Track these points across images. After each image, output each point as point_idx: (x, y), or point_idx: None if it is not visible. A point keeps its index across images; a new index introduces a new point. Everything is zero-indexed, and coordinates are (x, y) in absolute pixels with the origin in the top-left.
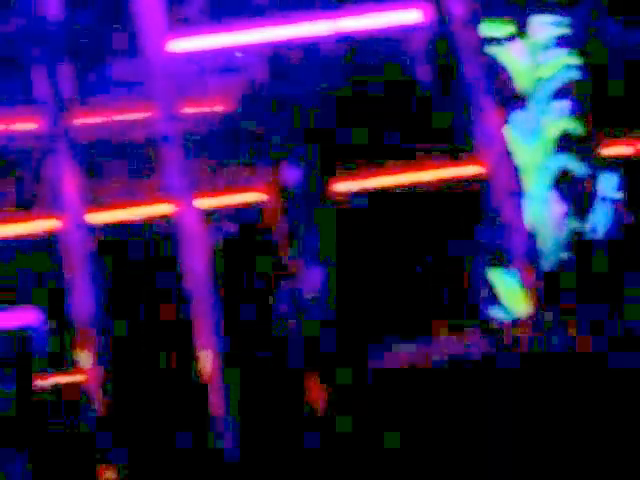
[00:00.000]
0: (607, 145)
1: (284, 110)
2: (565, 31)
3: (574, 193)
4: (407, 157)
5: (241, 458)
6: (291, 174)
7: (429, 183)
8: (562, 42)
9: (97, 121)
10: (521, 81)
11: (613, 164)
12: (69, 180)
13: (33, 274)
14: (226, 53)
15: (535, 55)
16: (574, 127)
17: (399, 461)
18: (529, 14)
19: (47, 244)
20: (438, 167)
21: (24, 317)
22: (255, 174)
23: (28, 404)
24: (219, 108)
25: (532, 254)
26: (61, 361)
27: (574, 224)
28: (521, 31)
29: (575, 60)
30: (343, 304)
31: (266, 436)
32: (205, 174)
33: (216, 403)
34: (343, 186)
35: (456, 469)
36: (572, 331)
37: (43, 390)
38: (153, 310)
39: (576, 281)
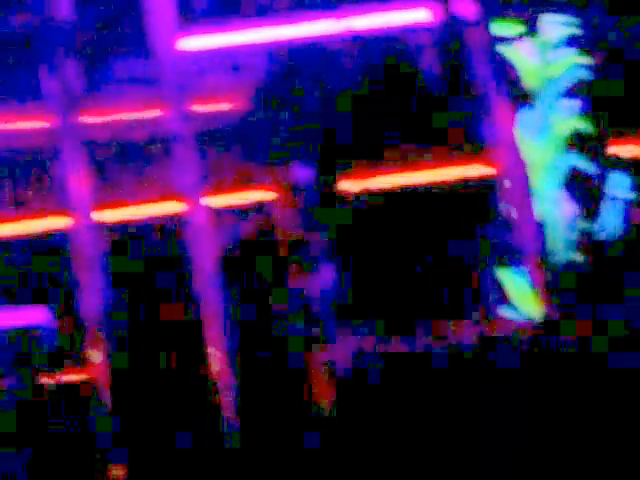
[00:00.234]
0: (617, 144)
1: (293, 109)
2: (575, 30)
3: (584, 192)
4: (417, 156)
5: (247, 456)
6: (300, 173)
7: (438, 182)
8: (572, 41)
9: (106, 119)
10: (531, 80)
11: (623, 163)
12: (78, 178)
13: (42, 273)
14: (236, 51)
15: (545, 54)
16: (584, 126)
17: (397, 456)
18: (539, 13)
19: (56, 242)
20: (448, 166)
21: (33, 316)
22: (265, 172)
23: (36, 402)
24: (229, 106)
25: (542, 254)
26: (70, 359)
27: (584, 224)
28: (531, 30)
29: (585, 59)
30: (352, 302)
31: (272, 434)
32: (215, 172)
33: (224, 402)
34: (353, 185)
35: (455, 466)
36: (580, 331)
37: (51, 388)
38: (162, 309)
39: (585, 281)
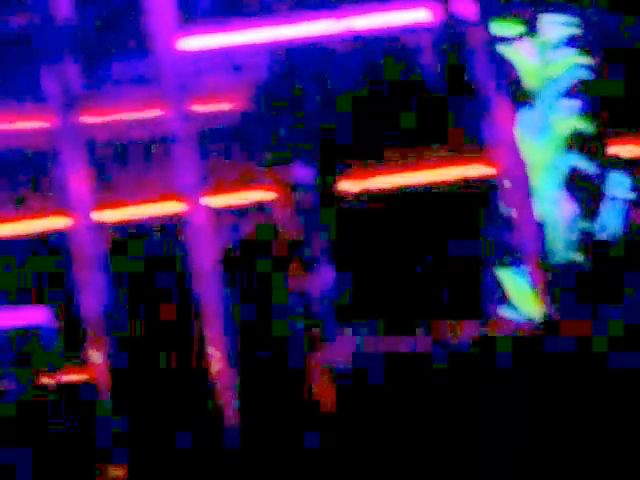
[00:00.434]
0: (617, 144)
1: (294, 109)
2: (575, 30)
3: (584, 192)
4: (417, 156)
5: (247, 456)
6: (300, 173)
7: (438, 182)
8: (572, 41)
9: (107, 119)
10: (530, 80)
11: (623, 163)
12: (78, 178)
13: (42, 273)
14: (236, 51)
15: (545, 54)
16: (584, 126)
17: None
18: (539, 13)
19: (56, 242)
20: (448, 166)
21: (33, 316)
22: (265, 172)
23: (36, 402)
24: (229, 106)
25: (542, 254)
26: (70, 360)
27: (584, 224)
28: (531, 30)
29: (585, 59)
30: (352, 302)
31: (272, 434)
32: (215, 172)
33: (224, 401)
34: (353, 185)
35: (455, 466)
36: (580, 331)
37: (51, 388)
38: (162, 309)
39: (585, 281)
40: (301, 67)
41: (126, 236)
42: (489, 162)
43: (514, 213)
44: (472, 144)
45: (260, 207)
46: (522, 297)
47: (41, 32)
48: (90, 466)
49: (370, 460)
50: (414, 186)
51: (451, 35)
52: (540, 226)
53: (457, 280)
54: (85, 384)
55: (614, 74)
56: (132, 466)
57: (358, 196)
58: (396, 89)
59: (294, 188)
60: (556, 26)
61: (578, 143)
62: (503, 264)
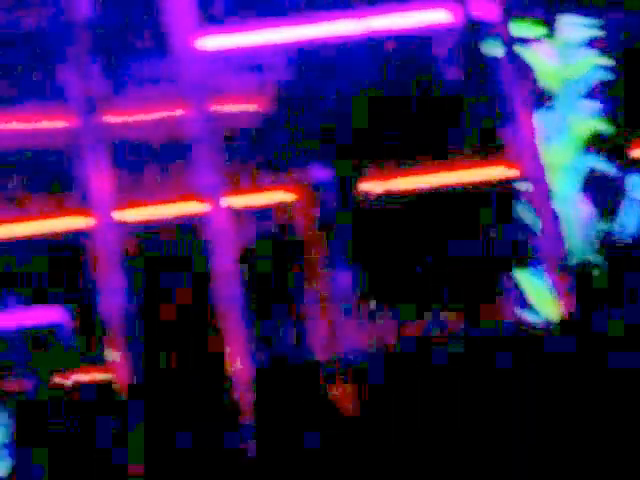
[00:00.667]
0: (636, 146)
1: (313, 109)
2: (595, 32)
3: (602, 194)
4: (437, 157)
5: (265, 457)
6: (320, 174)
7: (459, 184)
8: (592, 42)
9: (128, 119)
10: (550, 81)
11: None
12: (100, 178)
13: (63, 272)
14: (256, 52)
15: (564, 55)
16: (603, 127)
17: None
18: (559, 14)
19: (77, 242)
20: (468, 167)
21: (50, 315)
22: (284, 173)
23: (53, 402)
24: (249, 107)
25: (561, 255)
26: (88, 359)
27: (602, 225)
28: (551, 31)
29: (605, 61)
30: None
31: (290, 434)
32: (235, 173)
33: (242, 401)
34: (373, 186)
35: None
36: (597, 332)
37: (68, 388)
38: (181, 308)
39: (605, 282)
40: (320, 67)
41: (147, 236)
42: (509, 164)
43: (534, 214)
44: (492, 146)
45: (280, 208)
46: (541, 298)
47: (63, 32)
48: (106, 467)
49: (388, 455)
50: (434, 188)
51: (471, 36)
52: (559, 227)
53: (476, 281)
54: (103, 384)
55: (634, 75)
56: (149, 466)
57: (377, 197)
58: (415, 90)
59: (313, 189)
60: (576, 27)
61: (597, 144)
62: (522, 265)
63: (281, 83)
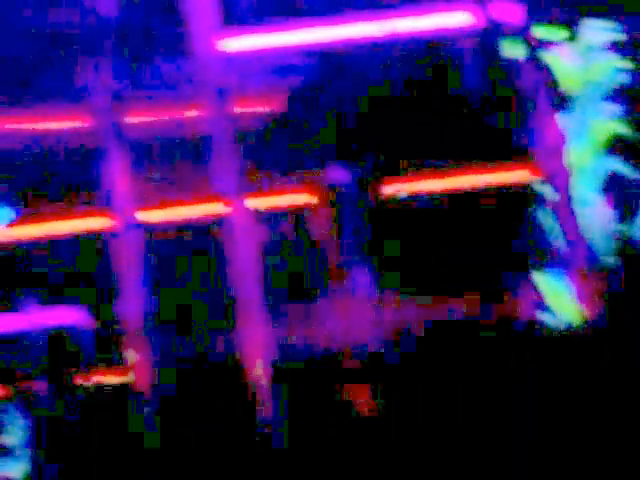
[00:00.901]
0: None
1: (333, 111)
2: (616, 35)
3: (623, 197)
4: (457, 160)
5: (289, 459)
6: (339, 175)
7: (479, 186)
8: (613, 45)
9: (149, 119)
10: (571, 84)
11: None
12: (121, 178)
13: (83, 273)
14: (277, 53)
15: (586, 58)
16: (624, 130)
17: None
18: (581, 17)
19: (97, 243)
20: (488, 170)
21: (70, 316)
22: (304, 175)
23: (72, 404)
24: (269, 108)
25: (582, 258)
26: (108, 361)
27: (622, 228)
28: (572, 34)
29: (626, 63)
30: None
31: (313, 435)
32: (255, 174)
33: (263, 402)
34: (392, 188)
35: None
36: (618, 335)
37: (87, 389)
38: (201, 309)
39: (622, 285)
40: (341, 69)
41: (168, 237)
42: (531, 167)
43: (555, 217)
44: (515, 149)
45: (298, 209)
46: (561, 302)
47: (85, 32)
48: (126, 468)
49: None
50: (454, 190)
51: (493, 39)
52: (581, 230)
53: (494, 283)
54: (122, 386)
55: None
56: (169, 468)
57: (396, 199)
58: (437, 93)
59: (332, 190)
60: (598, 30)
61: (617, 147)
62: (541, 268)
63: (302, 85)
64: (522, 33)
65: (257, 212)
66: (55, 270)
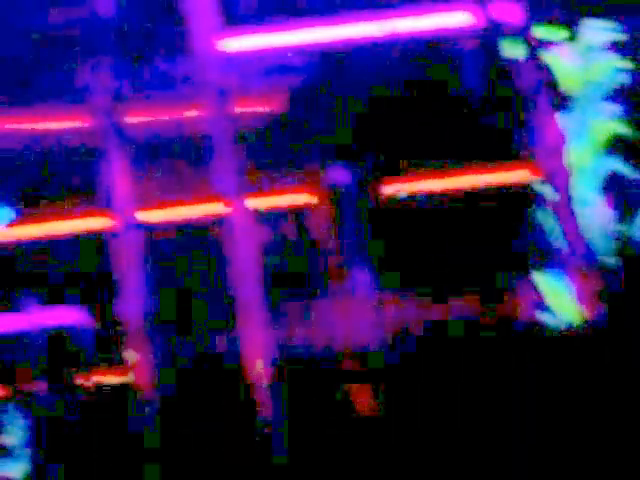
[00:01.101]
0: None
1: (334, 111)
2: (616, 35)
3: (622, 196)
4: (457, 160)
5: (289, 459)
6: (340, 176)
7: (479, 186)
8: (613, 46)
9: (148, 119)
10: (571, 84)
11: None
12: (120, 179)
13: (83, 273)
14: (277, 53)
15: (586, 58)
16: (624, 130)
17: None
18: (581, 17)
19: (97, 243)
20: (489, 170)
21: (70, 316)
22: (304, 175)
23: (72, 404)
24: (270, 108)
25: (582, 258)
26: (108, 361)
27: (622, 228)
28: (573, 34)
29: (626, 64)
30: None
31: (315, 439)
32: (255, 174)
33: (263, 403)
34: (392, 188)
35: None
36: (619, 335)
37: (87, 389)
38: (201, 310)
39: (622, 285)
40: (341, 69)
41: (167, 237)
42: (531, 167)
43: (555, 217)
44: (514, 149)
45: (298, 209)
46: (560, 302)
47: (84, 31)
48: (126, 469)
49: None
50: (454, 190)
51: (493, 39)
52: (581, 230)
53: (494, 283)
54: (122, 386)
55: None
56: (169, 470)
57: (397, 199)
58: (437, 92)
59: (332, 190)
60: (598, 30)
61: (617, 147)
62: (542, 269)
63: (302, 85)
64: (522, 33)
65: (257, 212)
66: (55, 270)
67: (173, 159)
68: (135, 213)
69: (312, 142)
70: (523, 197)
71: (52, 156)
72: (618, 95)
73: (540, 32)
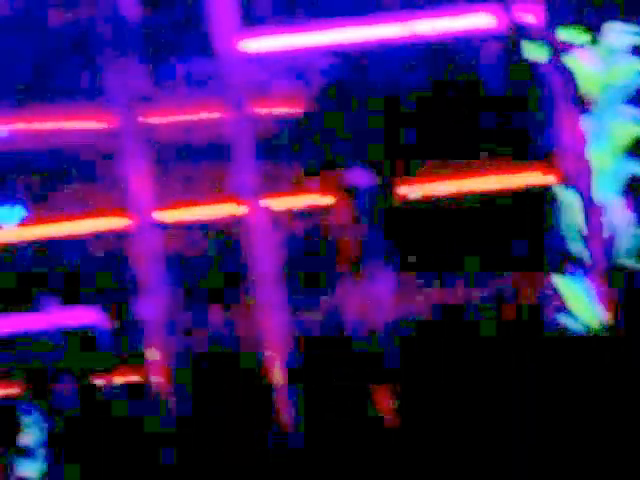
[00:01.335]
0: None
1: (354, 112)
2: (638, 38)
3: None
4: (479, 161)
5: (305, 456)
6: (360, 177)
7: (500, 188)
8: (635, 49)
9: (169, 120)
10: (591, 86)
11: None
12: (140, 178)
13: (102, 272)
14: (298, 54)
15: (607, 61)
16: None
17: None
18: (603, 21)
19: (116, 242)
20: (511, 172)
21: (88, 316)
22: (324, 176)
23: (90, 404)
24: (290, 109)
25: (602, 260)
26: (126, 361)
27: None
28: (595, 37)
29: None
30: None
31: (331, 436)
32: (274, 175)
33: (283, 404)
34: (411, 189)
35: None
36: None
37: (106, 389)
38: (220, 310)
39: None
40: (363, 70)
41: (186, 236)
42: (552, 169)
43: (576, 220)
44: (536, 151)
45: (318, 210)
46: (580, 304)
47: (107, 32)
48: (145, 467)
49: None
50: (475, 192)
51: (516, 41)
52: (603, 233)
53: (513, 286)
54: (140, 385)
55: None
56: (187, 468)
57: (417, 201)
58: (459, 94)
59: (352, 192)
60: (620, 34)
61: (637, 150)
62: (563, 272)
63: (323, 86)
64: (545, 36)
65: (277, 212)
66: (74, 270)
67: (193, 159)
68: (154, 213)
69: (332, 143)
70: (544, 199)
71: (72, 155)
72: (639, 98)
73: (563, 35)
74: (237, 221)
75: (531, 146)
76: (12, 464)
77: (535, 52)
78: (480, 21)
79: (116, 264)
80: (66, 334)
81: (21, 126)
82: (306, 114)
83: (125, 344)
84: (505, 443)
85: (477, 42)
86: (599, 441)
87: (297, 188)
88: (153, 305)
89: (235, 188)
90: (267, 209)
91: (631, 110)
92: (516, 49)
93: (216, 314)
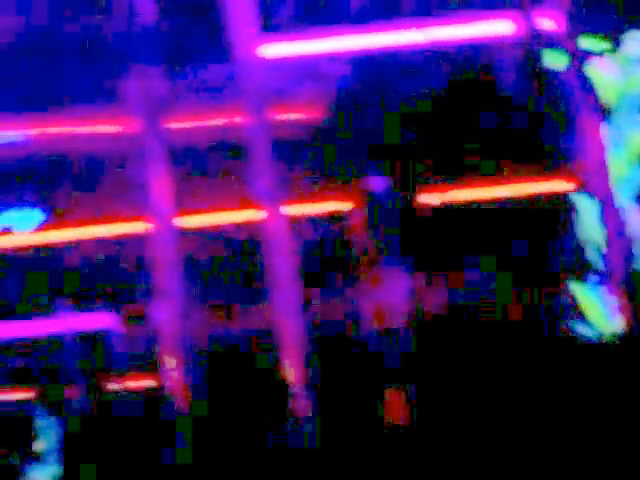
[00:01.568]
0: None
1: (372, 119)
2: None
3: None
4: (497, 170)
5: (320, 459)
6: (377, 183)
7: (519, 195)
8: None
9: (187, 125)
10: (610, 95)
11: None
12: (159, 183)
13: (118, 277)
14: (316, 60)
15: (626, 69)
16: None
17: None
18: (623, 29)
19: (136, 247)
20: (528, 180)
21: (103, 321)
22: (342, 183)
23: (104, 408)
24: (308, 115)
25: (618, 268)
26: (141, 365)
27: None
28: (614, 45)
29: None
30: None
31: (346, 436)
32: (292, 181)
33: (299, 406)
34: (429, 196)
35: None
36: None
37: (120, 393)
38: (237, 314)
39: None
40: (381, 77)
41: (205, 242)
42: (570, 177)
43: (595, 228)
44: (555, 158)
45: (336, 217)
46: (596, 312)
47: (127, 37)
48: (160, 472)
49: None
50: (493, 200)
51: (534, 49)
52: (623, 241)
53: (530, 293)
54: (155, 389)
55: None
56: (209, 464)
57: (435, 208)
58: (477, 102)
59: (370, 198)
60: (639, 42)
61: None
62: (580, 279)
63: (341, 92)
64: (564, 43)
65: (295, 217)
66: (90, 274)
67: (211, 164)
68: (173, 218)
69: (351, 150)
70: (562, 207)
71: (91, 160)
72: None
73: (582, 43)
74: (255, 226)
75: (549, 154)
76: (26, 468)
77: (554, 60)
78: (500, 28)
79: (133, 269)
80: (81, 338)
81: (41, 131)
82: (324, 120)
83: (141, 348)
84: (518, 448)
85: (496, 49)
86: (613, 448)
87: (315, 194)
88: (169, 310)
89: (253, 193)
90: (287, 214)
91: None
92: (535, 57)
93: (233, 317)
